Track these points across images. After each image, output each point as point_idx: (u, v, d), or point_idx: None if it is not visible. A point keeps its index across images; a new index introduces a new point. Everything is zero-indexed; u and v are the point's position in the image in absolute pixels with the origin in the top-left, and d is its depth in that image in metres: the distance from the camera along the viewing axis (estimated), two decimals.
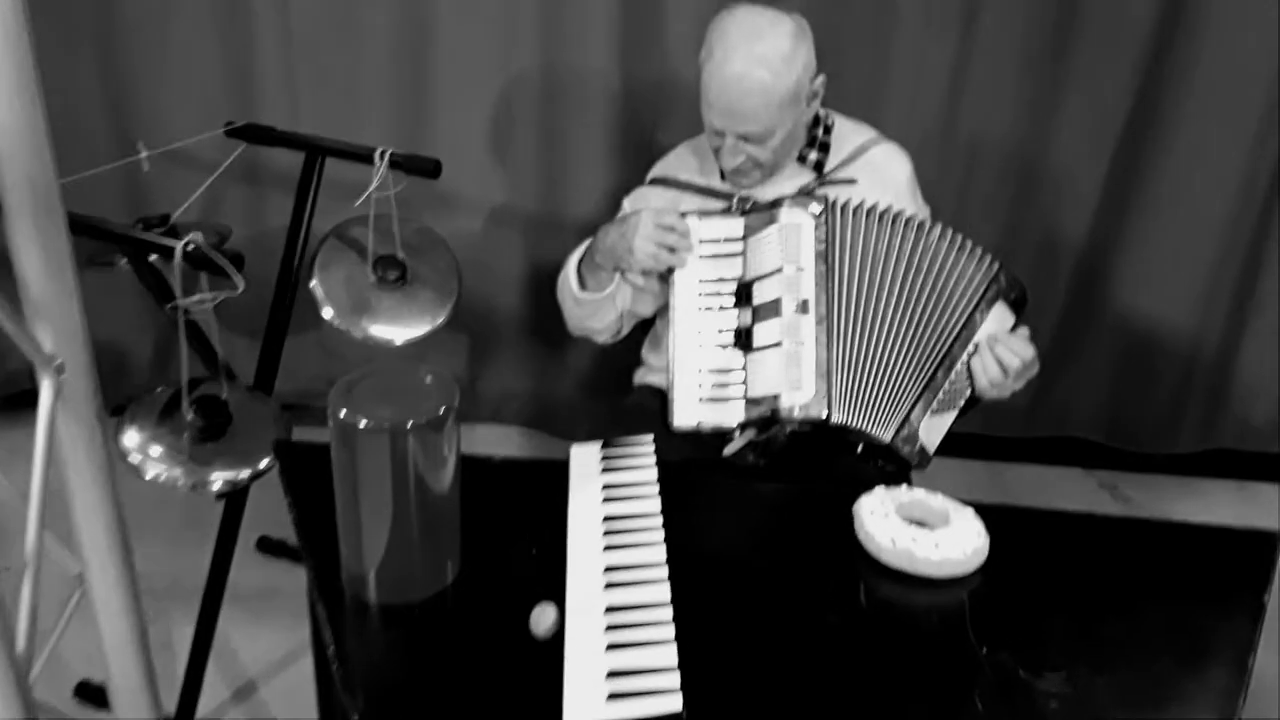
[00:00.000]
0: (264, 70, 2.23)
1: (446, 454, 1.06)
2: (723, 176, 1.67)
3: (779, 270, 1.44)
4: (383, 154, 1.77)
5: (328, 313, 1.84)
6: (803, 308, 1.42)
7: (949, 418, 1.50)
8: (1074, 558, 1.25)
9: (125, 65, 2.23)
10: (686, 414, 1.48)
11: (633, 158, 2.30)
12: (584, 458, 1.30)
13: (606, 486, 1.24)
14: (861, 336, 1.45)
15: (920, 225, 1.49)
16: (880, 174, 1.65)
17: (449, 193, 2.30)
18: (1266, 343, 2.50)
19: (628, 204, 1.77)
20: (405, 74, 2.24)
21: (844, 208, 1.47)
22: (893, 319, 1.46)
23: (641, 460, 1.29)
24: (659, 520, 1.17)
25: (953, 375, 1.47)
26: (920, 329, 1.47)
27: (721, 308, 1.50)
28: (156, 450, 1.51)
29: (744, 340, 1.47)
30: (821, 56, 2.13)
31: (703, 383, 1.49)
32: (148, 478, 1.48)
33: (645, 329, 1.86)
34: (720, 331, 1.49)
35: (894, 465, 1.51)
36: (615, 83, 2.23)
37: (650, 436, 1.34)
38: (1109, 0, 2.13)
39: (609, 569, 1.10)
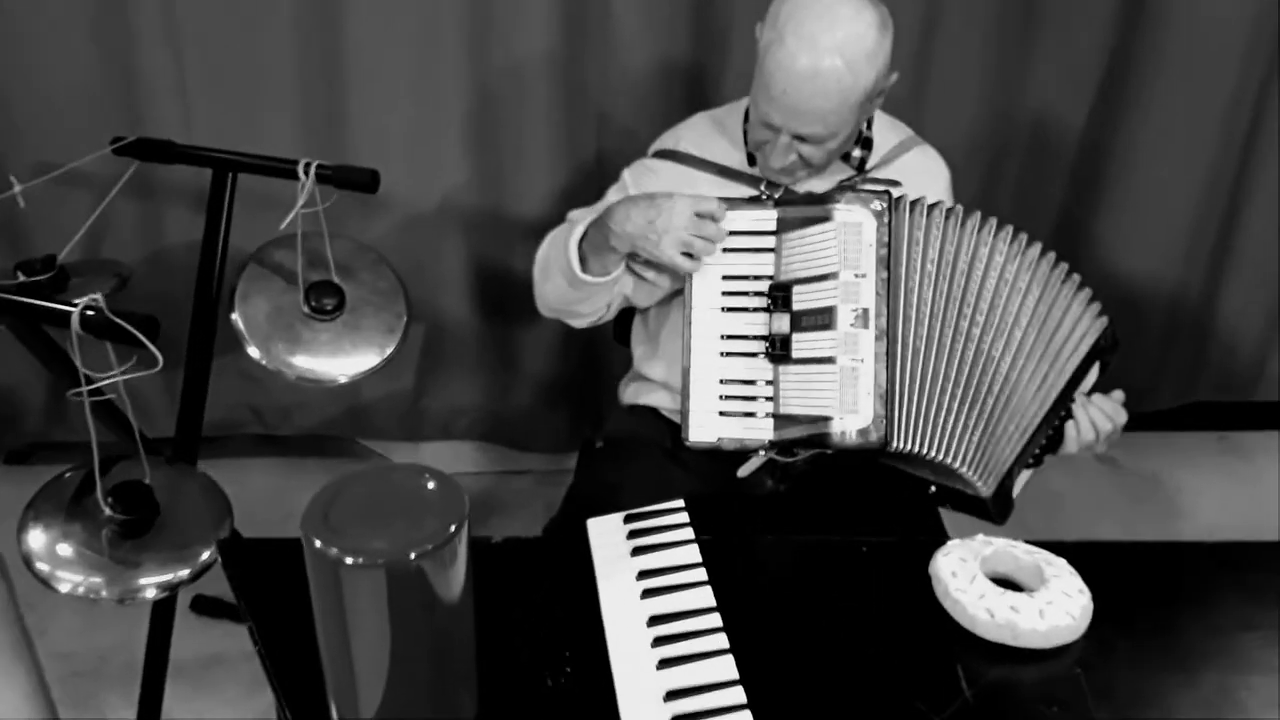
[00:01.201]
0: (147, 70, 1.91)
1: (456, 580, 0.84)
2: (751, 161, 1.44)
3: (833, 275, 1.25)
4: (308, 166, 1.51)
5: (255, 352, 1.58)
6: (862, 320, 1.23)
7: (1029, 471, 1.34)
8: (1180, 598, 1.09)
9: None
10: (704, 428, 1.31)
11: (579, 148, 2.08)
12: (606, 535, 1.09)
13: (642, 574, 1.03)
14: (938, 358, 1.27)
15: (1015, 235, 1.29)
16: (919, 179, 1.45)
17: (376, 196, 2.04)
18: (1246, 292, 2.43)
19: (628, 177, 1.52)
20: (312, 65, 1.95)
21: (913, 206, 1.27)
22: (980, 341, 1.27)
23: (676, 533, 1.09)
24: (716, 618, 0.97)
25: (1050, 431, 1.31)
26: (1020, 360, 1.28)
27: (751, 309, 1.31)
28: (68, 552, 1.25)
29: (779, 349, 1.28)
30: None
31: (724, 393, 1.31)
32: (62, 591, 1.22)
33: (619, 323, 1.66)
34: (748, 337, 1.31)
35: (948, 503, 1.34)
36: (556, 67, 1.98)
37: (681, 503, 1.13)
38: None
39: (671, 695, 0.89)
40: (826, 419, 1.22)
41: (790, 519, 1.41)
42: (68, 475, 1.30)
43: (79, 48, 1.88)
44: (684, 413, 1.32)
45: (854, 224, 1.25)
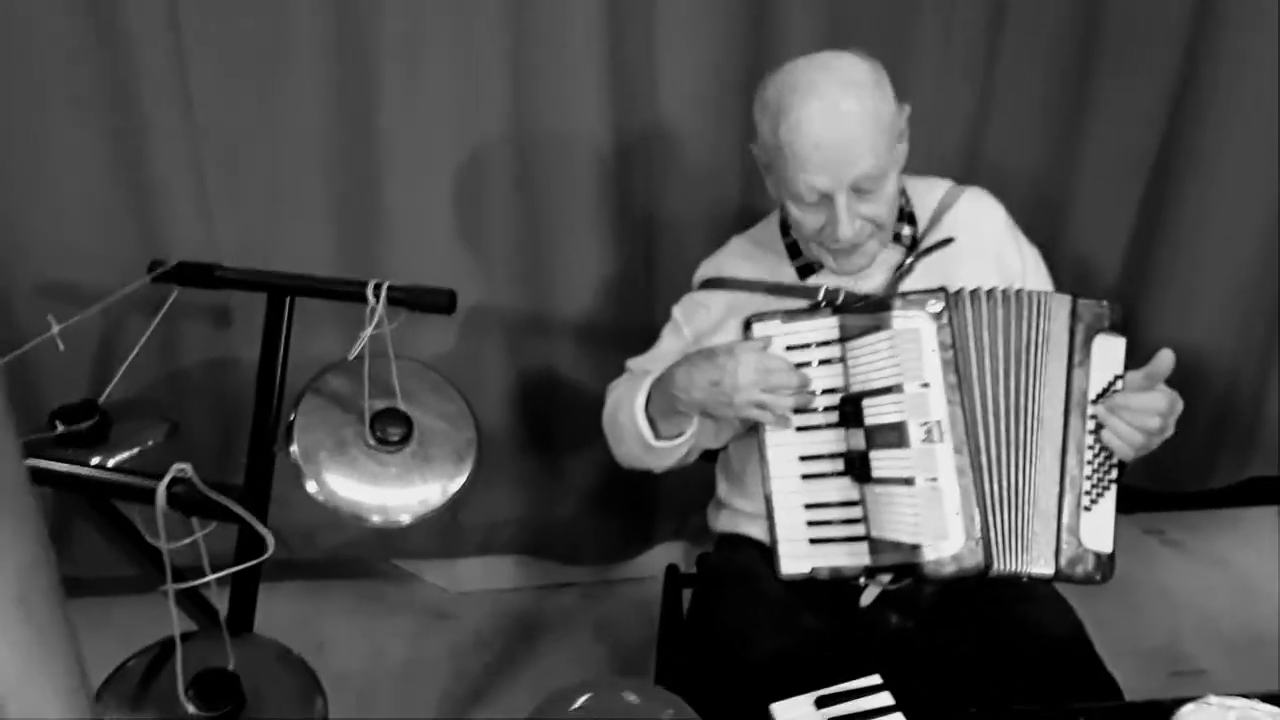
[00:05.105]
0: (165, 182, 1.78)
1: None
2: (801, 274, 1.38)
3: (896, 387, 1.18)
4: (378, 288, 1.38)
5: (314, 489, 1.43)
6: (934, 434, 1.16)
7: (1108, 503, 1.23)
8: None
9: None
10: (795, 560, 1.25)
11: (628, 239, 1.98)
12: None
13: None
14: (1026, 459, 1.20)
15: (1075, 303, 1.23)
16: (976, 226, 1.39)
17: None
18: None
19: (679, 315, 1.46)
20: (343, 161, 1.83)
21: (973, 297, 1.21)
22: (1021, 425, 1.21)
23: None
24: None
25: (1088, 456, 1.22)
26: (1031, 422, 1.21)
27: (825, 425, 1.24)
28: None
29: (858, 468, 1.21)
30: None
31: (811, 519, 1.25)
32: None
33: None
34: (825, 457, 1.24)
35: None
36: (605, 163, 1.88)
37: (877, 679, 1.00)
38: (1133, 32, 1.96)
39: None
40: (916, 547, 1.15)
41: (918, 667, 1.26)
42: (131, 662, 1.13)
43: (93, 161, 1.75)
44: (772, 544, 1.26)
45: (910, 331, 1.18)
